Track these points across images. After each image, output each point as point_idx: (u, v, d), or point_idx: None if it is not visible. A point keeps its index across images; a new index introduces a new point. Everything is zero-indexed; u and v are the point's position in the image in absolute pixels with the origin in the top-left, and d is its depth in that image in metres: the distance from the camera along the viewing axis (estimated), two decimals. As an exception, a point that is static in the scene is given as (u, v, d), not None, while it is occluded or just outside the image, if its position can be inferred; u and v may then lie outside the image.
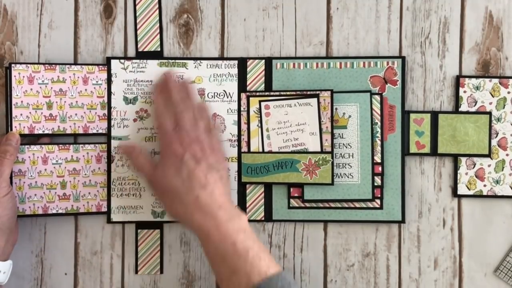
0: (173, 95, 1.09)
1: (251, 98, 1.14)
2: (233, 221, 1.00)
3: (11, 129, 1.11)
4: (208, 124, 1.09)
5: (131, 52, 1.16)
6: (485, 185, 1.13)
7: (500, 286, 1.14)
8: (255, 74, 1.14)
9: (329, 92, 1.12)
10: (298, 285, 1.12)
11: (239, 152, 1.15)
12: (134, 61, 1.15)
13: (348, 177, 1.13)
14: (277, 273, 0.96)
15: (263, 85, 1.14)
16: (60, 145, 1.13)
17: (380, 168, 1.13)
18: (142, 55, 1.15)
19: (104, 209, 1.14)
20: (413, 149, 1.14)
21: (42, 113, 1.12)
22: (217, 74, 1.15)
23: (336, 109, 1.13)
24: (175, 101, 1.09)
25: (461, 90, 1.14)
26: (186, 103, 1.09)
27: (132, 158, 1.11)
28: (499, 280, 1.14)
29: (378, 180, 1.13)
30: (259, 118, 1.14)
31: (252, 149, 1.14)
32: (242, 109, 1.14)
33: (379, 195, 1.13)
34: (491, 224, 1.14)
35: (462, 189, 1.14)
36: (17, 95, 1.11)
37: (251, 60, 1.15)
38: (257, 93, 1.14)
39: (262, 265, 0.97)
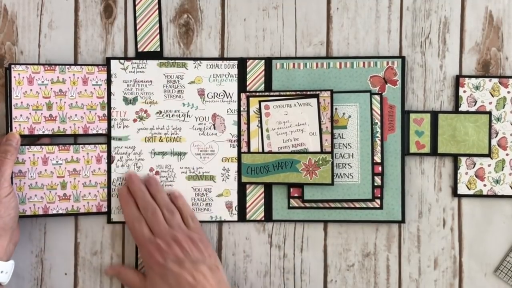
0: (139, 203, 1.10)
1: (251, 98, 1.14)
2: None
3: (11, 130, 1.11)
4: (183, 215, 1.11)
5: (132, 52, 1.16)
6: (485, 185, 1.13)
7: (500, 286, 1.14)
8: (255, 74, 1.14)
9: (329, 92, 1.11)
10: None
11: (239, 152, 1.14)
12: (134, 61, 1.15)
13: (348, 177, 1.13)
14: None
15: (263, 85, 1.14)
16: (60, 146, 1.13)
17: (380, 168, 1.13)
18: (142, 56, 1.15)
19: (105, 209, 1.14)
20: (413, 149, 1.14)
21: (42, 113, 1.12)
22: (217, 74, 1.15)
23: (336, 109, 1.13)
24: (142, 207, 1.09)
25: (461, 90, 1.14)
26: (155, 202, 1.10)
27: (121, 277, 1.12)
28: (499, 280, 1.14)
29: (378, 180, 1.13)
30: (259, 118, 1.14)
31: (252, 149, 1.14)
32: (242, 109, 1.14)
33: (379, 195, 1.13)
34: (491, 224, 1.14)
35: (462, 189, 1.14)
36: (17, 96, 1.11)
37: (251, 60, 1.15)
38: (257, 93, 1.14)
39: None
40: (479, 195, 1.13)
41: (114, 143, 1.14)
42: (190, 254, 1.05)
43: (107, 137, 1.14)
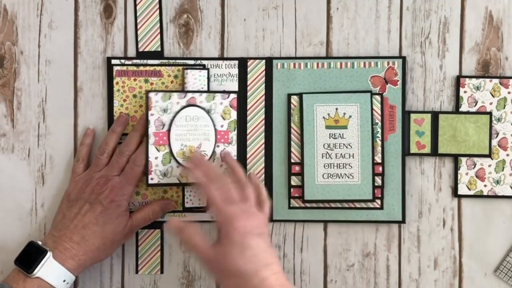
0: (213, 170, 1.08)
1: (251, 98, 1.15)
2: None
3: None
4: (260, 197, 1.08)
5: (131, 52, 1.16)
6: (485, 185, 1.13)
7: (500, 286, 1.14)
8: (256, 74, 1.14)
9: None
10: None
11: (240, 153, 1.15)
12: (134, 61, 1.14)
13: (348, 177, 1.13)
14: None
15: (264, 85, 1.14)
16: None
17: (380, 168, 1.13)
18: (143, 55, 1.15)
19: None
20: (413, 149, 1.14)
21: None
22: (217, 74, 1.15)
23: (336, 109, 1.13)
24: (216, 174, 1.07)
25: (461, 90, 1.14)
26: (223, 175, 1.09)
27: (184, 236, 1.04)
28: (499, 280, 1.14)
29: (378, 180, 1.13)
30: (259, 118, 1.14)
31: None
32: (242, 109, 1.15)
33: (380, 195, 1.13)
34: (491, 224, 1.14)
35: (462, 189, 1.14)
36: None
37: (251, 60, 1.15)
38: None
39: None
40: (479, 196, 1.13)
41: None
42: (261, 227, 1.02)
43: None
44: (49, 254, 1.03)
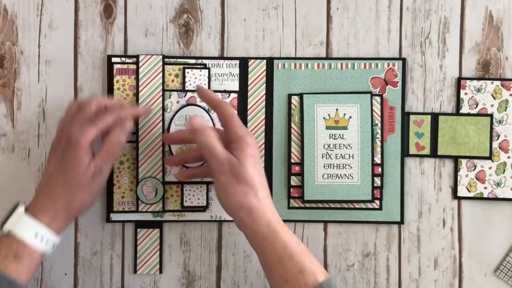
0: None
1: (251, 99, 1.15)
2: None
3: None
4: None
5: (131, 52, 1.15)
6: (485, 188, 1.13)
7: (500, 286, 1.14)
8: (257, 74, 1.14)
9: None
10: None
11: (240, 153, 1.15)
12: (135, 59, 1.14)
13: (348, 178, 1.13)
14: (331, 277, 0.98)
15: (264, 85, 1.14)
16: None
17: (380, 169, 1.13)
18: (143, 54, 1.15)
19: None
20: (412, 150, 1.14)
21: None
22: (218, 74, 1.15)
23: (337, 109, 1.13)
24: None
25: (462, 92, 1.14)
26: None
27: (203, 136, 1.03)
28: (499, 280, 1.14)
29: (377, 181, 1.13)
30: (260, 119, 1.15)
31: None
32: (242, 109, 1.15)
33: (379, 196, 1.13)
34: (491, 224, 1.14)
35: (462, 191, 1.14)
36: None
37: (252, 60, 1.15)
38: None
39: (320, 266, 0.99)
40: (479, 198, 1.13)
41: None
42: None
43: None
44: (20, 207, 1.00)
